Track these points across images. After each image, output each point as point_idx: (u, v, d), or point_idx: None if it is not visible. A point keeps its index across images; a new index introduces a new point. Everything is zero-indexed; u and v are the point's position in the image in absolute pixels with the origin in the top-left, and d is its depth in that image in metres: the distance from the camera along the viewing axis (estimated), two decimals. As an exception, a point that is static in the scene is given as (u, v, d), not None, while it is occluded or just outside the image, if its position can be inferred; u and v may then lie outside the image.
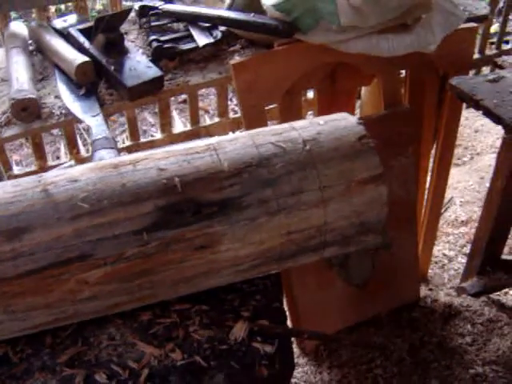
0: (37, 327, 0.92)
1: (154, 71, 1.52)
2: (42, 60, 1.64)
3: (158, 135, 2.15)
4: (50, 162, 1.97)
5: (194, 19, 1.65)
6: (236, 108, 3.32)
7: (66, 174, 0.93)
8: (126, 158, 0.97)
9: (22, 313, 0.89)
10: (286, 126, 1.03)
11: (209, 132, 2.17)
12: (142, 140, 2.13)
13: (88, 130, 2.89)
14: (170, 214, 0.90)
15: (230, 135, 1.02)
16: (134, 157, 0.97)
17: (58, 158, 2.82)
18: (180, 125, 2.50)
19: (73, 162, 1.51)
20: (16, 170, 2.04)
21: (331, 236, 1.00)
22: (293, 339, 1.80)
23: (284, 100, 1.66)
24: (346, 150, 1.00)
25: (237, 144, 0.98)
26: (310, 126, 1.03)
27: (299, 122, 1.05)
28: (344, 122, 1.05)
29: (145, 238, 0.89)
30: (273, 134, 1.00)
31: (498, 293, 2.22)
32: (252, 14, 1.56)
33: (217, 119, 2.26)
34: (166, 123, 2.11)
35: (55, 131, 3.22)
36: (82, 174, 0.93)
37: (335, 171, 0.99)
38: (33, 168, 2.05)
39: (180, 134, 2.14)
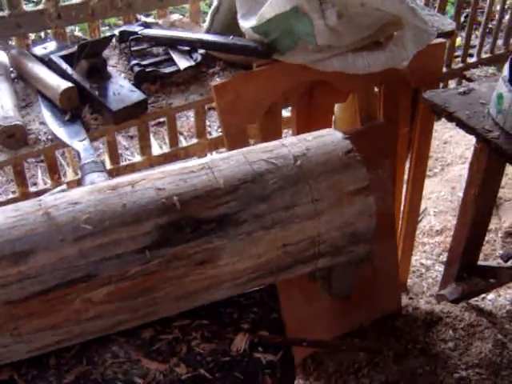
0: (43, 349, 0.94)
1: (137, 95, 1.55)
2: (25, 87, 1.65)
3: (137, 158, 2.17)
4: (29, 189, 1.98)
5: (174, 43, 1.69)
6: (210, 129, 3.36)
7: (66, 197, 0.95)
8: (124, 179, 1.00)
9: (29, 335, 0.90)
10: (276, 143, 1.07)
11: (188, 153, 2.20)
12: (122, 163, 2.14)
13: (63, 155, 2.91)
14: (171, 231, 0.93)
15: (224, 154, 1.06)
16: (132, 178, 1.00)
17: (35, 184, 2.81)
18: (156, 147, 2.52)
19: (65, 187, 1.53)
20: (-3, 197, 2.05)
21: (324, 247, 1.04)
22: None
23: (264, 119, 1.70)
24: (335, 163, 1.05)
25: (230, 162, 1.01)
26: (299, 143, 1.07)
27: (288, 139, 1.09)
28: (331, 138, 1.09)
29: (147, 256, 0.92)
30: (264, 151, 1.04)
31: (476, 298, 2.29)
32: (231, 37, 1.60)
33: (195, 140, 2.29)
34: (145, 146, 2.13)
35: (30, 158, 3.22)
36: (82, 197, 0.95)
37: (326, 184, 1.03)
38: (10, 196, 2.06)
39: (159, 156, 2.17)
